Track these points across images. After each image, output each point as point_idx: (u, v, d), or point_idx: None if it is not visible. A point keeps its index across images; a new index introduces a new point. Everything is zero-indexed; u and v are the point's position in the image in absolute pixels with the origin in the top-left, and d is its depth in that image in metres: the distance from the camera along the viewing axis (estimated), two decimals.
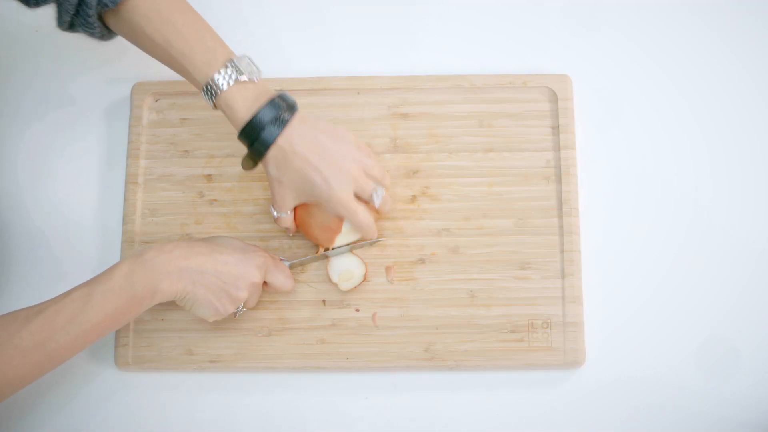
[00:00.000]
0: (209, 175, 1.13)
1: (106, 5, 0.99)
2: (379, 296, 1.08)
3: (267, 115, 0.98)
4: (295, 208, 1.05)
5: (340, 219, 1.04)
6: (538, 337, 1.06)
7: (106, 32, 1.04)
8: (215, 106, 1.00)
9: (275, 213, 1.05)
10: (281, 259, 1.06)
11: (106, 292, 0.94)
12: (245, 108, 0.99)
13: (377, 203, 1.04)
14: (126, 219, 1.11)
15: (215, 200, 1.12)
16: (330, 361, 1.06)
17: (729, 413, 1.05)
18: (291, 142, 0.99)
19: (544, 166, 1.11)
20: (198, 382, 1.07)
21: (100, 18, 1.02)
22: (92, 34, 1.04)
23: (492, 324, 1.06)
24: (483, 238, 1.09)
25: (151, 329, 1.07)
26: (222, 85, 0.98)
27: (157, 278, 0.95)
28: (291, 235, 1.09)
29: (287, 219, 1.05)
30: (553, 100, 1.13)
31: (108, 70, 1.18)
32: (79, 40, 1.18)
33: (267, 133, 0.98)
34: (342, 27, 1.19)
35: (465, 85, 1.14)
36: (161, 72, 1.16)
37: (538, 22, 1.18)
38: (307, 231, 1.06)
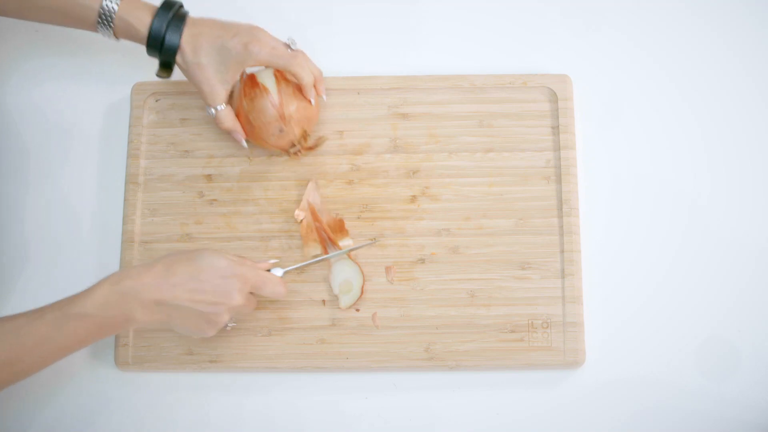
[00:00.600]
0: (209, 175, 1.13)
1: None
2: (379, 296, 1.08)
3: (161, 20, 1.03)
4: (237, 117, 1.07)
5: (281, 116, 1.06)
6: (538, 337, 1.06)
7: None
8: (116, 35, 1.04)
9: (211, 110, 1.07)
10: (274, 263, 1.04)
11: (79, 317, 0.92)
12: (141, 20, 1.03)
13: (295, 52, 1.06)
14: (126, 219, 1.11)
15: (215, 200, 1.12)
16: (330, 361, 1.06)
17: (729, 413, 1.05)
18: (193, 33, 1.03)
19: (544, 166, 1.11)
20: (198, 382, 1.07)
21: None
22: None
23: (492, 324, 1.06)
24: (483, 238, 1.09)
25: (151, 329, 1.07)
26: (113, 7, 1.02)
27: (132, 309, 0.94)
28: (243, 140, 1.09)
29: (227, 114, 1.07)
30: (553, 100, 1.13)
31: (108, 70, 1.18)
32: (79, 39, 1.18)
33: (169, 37, 1.03)
34: (342, 27, 1.19)
35: (465, 85, 1.14)
36: None
37: (538, 22, 1.18)
38: (256, 135, 1.08)
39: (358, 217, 1.10)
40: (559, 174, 1.11)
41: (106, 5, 1.02)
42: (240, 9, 1.20)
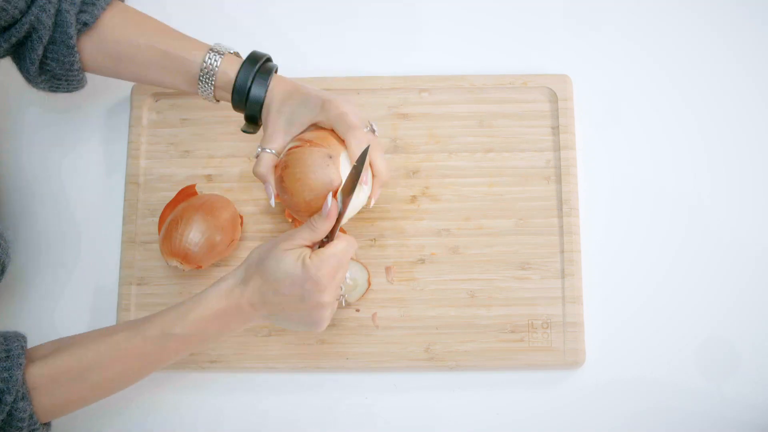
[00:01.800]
0: (209, 176, 1.13)
1: (86, 23, 0.99)
2: (379, 296, 1.08)
3: (247, 71, 0.99)
4: (281, 176, 0.98)
5: (324, 195, 0.95)
6: (538, 337, 1.06)
7: (79, 73, 1.03)
8: (215, 97, 1.02)
9: (258, 149, 0.99)
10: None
11: (180, 339, 0.93)
12: (232, 73, 1.00)
13: (374, 134, 1.00)
14: (126, 219, 1.11)
15: None
16: (330, 361, 1.06)
17: (729, 413, 1.05)
18: (281, 88, 1.00)
19: (544, 166, 1.11)
20: (198, 382, 1.07)
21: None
22: (65, 78, 1.03)
23: (492, 324, 1.06)
24: (483, 238, 1.09)
25: None
26: (215, 64, 0.99)
27: (235, 327, 0.94)
28: (273, 195, 0.99)
29: (267, 160, 0.98)
30: (553, 100, 1.13)
31: None
32: None
33: (254, 91, 1.00)
34: (342, 27, 1.19)
35: (465, 85, 1.14)
36: None
37: (538, 22, 1.18)
38: (291, 196, 0.96)
39: (359, 218, 1.10)
40: (559, 174, 1.11)
41: (209, 61, 1.00)
42: (240, 8, 1.20)
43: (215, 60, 1.00)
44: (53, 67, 1.01)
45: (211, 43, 1.02)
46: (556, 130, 1.12)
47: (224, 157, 1.13)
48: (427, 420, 1.06)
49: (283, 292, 0.91)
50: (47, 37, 0.99)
